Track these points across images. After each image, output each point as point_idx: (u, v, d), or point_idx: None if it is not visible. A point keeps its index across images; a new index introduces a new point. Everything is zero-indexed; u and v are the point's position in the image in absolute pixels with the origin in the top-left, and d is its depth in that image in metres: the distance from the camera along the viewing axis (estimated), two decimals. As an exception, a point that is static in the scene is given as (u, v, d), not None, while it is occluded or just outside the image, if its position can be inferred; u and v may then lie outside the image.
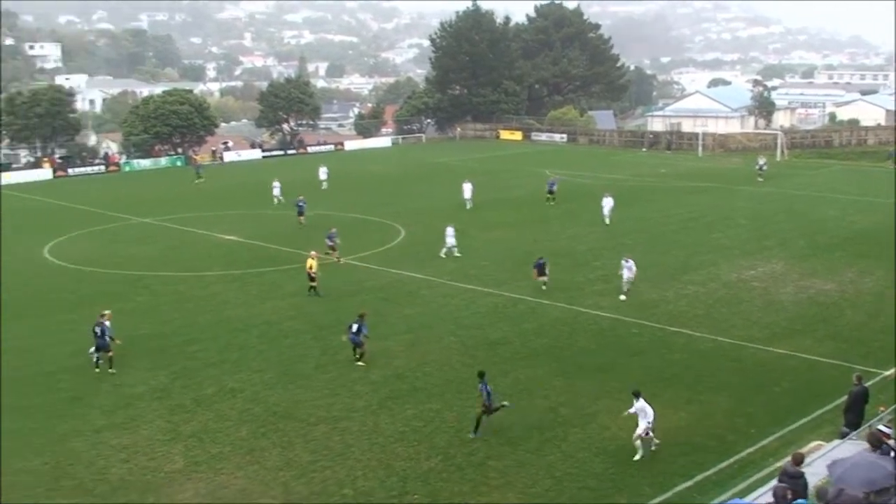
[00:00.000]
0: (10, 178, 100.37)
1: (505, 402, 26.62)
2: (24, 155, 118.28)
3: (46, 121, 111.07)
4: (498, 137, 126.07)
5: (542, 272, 41.76)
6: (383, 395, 29.33)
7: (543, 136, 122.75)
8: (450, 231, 49.39)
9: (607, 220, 57.23)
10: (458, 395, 28.99)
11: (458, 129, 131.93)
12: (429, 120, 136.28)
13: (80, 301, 42.29)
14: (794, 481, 17.50)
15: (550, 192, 66.52)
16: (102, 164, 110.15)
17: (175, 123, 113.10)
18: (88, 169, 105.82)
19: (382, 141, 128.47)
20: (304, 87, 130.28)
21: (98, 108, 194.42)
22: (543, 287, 41.30)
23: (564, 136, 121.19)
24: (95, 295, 43.32)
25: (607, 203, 57.77)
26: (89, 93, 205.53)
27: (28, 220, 68.30)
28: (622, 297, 39.46)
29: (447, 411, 27.76)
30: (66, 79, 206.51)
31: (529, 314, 38.09)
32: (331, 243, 48.05)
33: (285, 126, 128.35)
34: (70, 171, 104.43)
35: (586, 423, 26.70)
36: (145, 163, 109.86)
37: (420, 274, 45.56)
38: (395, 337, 35.32)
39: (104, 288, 44.89)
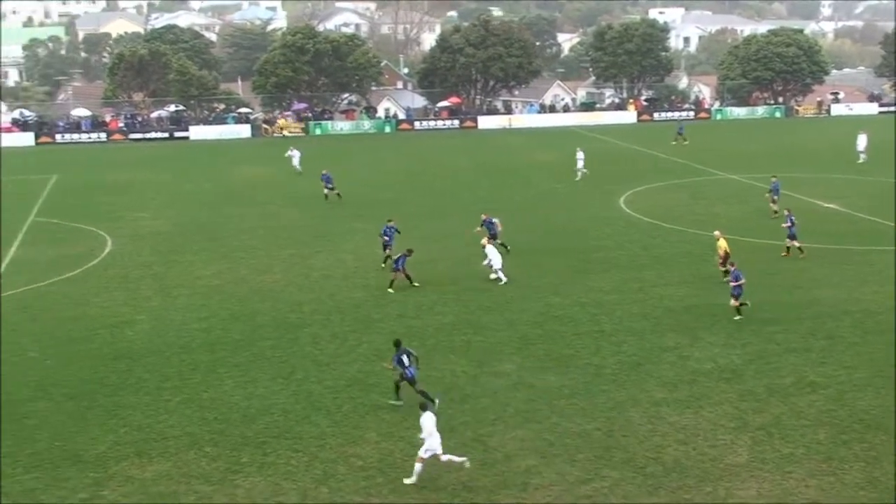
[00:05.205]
0: (594, 118, 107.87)
1: (436, 400, 27.07)
2: (608, 95, 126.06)
3: (636, 58, 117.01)
4: None
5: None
6: None
7: None
8: None
9: None
10: None
11: None
12: None
13: (652, 259, 44.22)
14: None
15: None
16: (692, 109, 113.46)
17: (778, 68, 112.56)
18: (675, 114, 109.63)
19: None
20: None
21: (692, 46, 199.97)
22: None
23: None
24: (670, 255, 45.02)
25: None
26: (684, 29, 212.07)
27: (607, 166, 72.91)
28: None
29: None
30: (661, 13, 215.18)
31: None
32: None
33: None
34: (655, 115, 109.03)
35: None
36: (740, 111, 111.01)
37: None
38: None
39: (679, 248, 46.42)
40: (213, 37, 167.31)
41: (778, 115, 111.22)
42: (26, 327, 36.26)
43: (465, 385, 29.60)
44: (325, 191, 61.01)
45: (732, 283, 35.20)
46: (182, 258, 46.82)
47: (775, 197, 52.61)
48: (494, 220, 44.74)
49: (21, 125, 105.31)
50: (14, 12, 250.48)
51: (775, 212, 51.81)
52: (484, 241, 42.03)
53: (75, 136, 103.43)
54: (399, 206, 58.05)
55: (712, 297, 37.62)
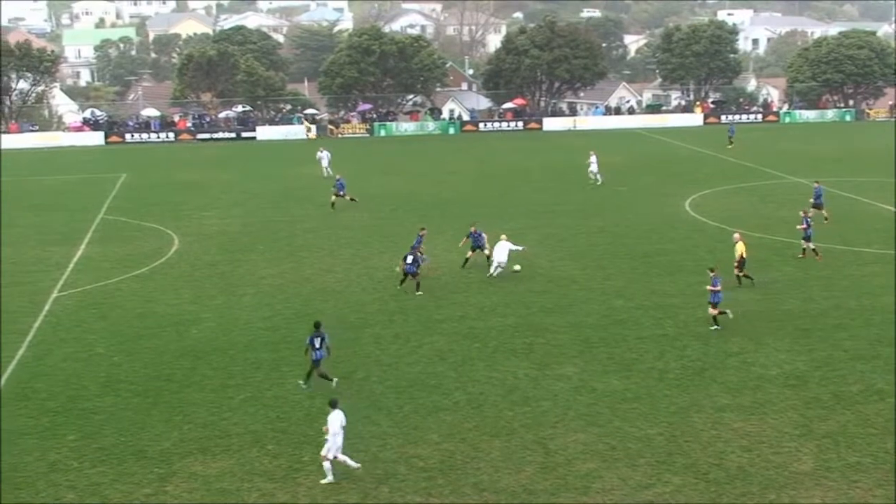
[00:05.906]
0: (660, 121, 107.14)
1: (333, 379, 29.36)
2: (675, 97, 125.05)
3: (703, 60, 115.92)
4: None
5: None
6: None
7: None
8: None
9: None
10: None
11: None
12: None
13: (717, 263, 43.65)
14: None
15: None
16: (759, 112, 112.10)
17: (849, 70, 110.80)
18: (742, 117, 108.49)
19: None
20: None
21: (761, 48, 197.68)
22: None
23: None
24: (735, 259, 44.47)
25: None
26: (753, 31, 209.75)
27: (673, 169, 72.46)
28: None
29: None
30: (729, 14, 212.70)
31: None
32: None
33: None
34: (722, 117, 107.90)
35: None
36: (809, 114, 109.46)
37: None
38: None
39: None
40: (280, 38, 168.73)
41: (848, 118, 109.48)
42: (94, 324, 36.90)
43: (526, 387, 29.56)
44: (334, 197, 58.93)
45: (710, 289, 34.69)
46: (247, 257, 47.31)
47: (817, 202, 51.25)
48: (483, 234, 43.96)
49: (92, 124, 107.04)
50: (87, 13, 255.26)
51: (826, 217, 50.92)
52: (505, 241, 41.88)
53: (144, 136, 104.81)
54: (464, 207, 58.13)
55: (778, 303, 37.24)
